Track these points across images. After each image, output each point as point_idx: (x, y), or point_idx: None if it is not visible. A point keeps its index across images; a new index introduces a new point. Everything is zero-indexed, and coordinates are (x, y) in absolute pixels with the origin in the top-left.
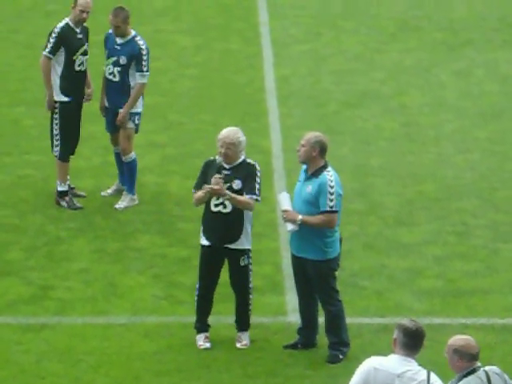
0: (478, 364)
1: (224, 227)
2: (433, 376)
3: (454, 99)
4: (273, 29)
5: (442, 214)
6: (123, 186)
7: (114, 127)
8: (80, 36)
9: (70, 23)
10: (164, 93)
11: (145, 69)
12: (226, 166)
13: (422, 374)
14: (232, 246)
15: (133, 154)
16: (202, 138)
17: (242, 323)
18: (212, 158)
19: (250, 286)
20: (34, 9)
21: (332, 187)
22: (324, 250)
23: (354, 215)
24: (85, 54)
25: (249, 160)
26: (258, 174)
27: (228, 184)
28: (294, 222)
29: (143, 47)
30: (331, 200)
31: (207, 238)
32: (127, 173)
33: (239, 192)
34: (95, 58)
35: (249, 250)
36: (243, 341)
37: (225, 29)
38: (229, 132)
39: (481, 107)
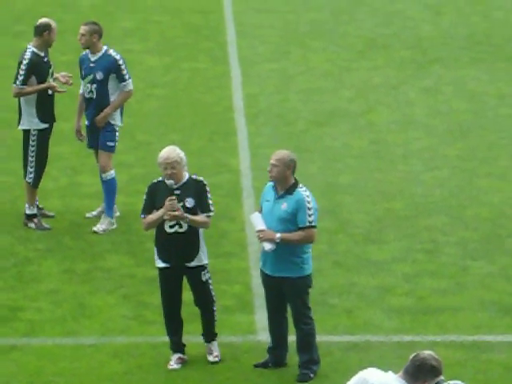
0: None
1: (182, 247)
2: None
3: (423, 116)
4: (241, 48)
5: (411, 231)
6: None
7: (97, 143)
8: (46, 59)
9: (36, 50)
10: (132, 113)
11: (126, 77)
12: (175, 186)
13: None
14: (192, 264)
15: (112, 172)
16: None
17: (209, 333)
18: (155, 180)
19: (214, 298)
20: (2, 30)
21: (309, 202)
22: (301, 267)
23: (323, 233)
24: (52, 75)
25: (194, 176)
26: (207, 188)
27: (181, 203)
28: (271, 240)
29: (117, 57)
30: (310, 215)
31: (164, 261)
32: (106, 192)
33: (192, 210)
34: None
35: (207, 264)
36: (214, 352)
37: (193, 48)
38: (168, 152)
39: (449, 124)
